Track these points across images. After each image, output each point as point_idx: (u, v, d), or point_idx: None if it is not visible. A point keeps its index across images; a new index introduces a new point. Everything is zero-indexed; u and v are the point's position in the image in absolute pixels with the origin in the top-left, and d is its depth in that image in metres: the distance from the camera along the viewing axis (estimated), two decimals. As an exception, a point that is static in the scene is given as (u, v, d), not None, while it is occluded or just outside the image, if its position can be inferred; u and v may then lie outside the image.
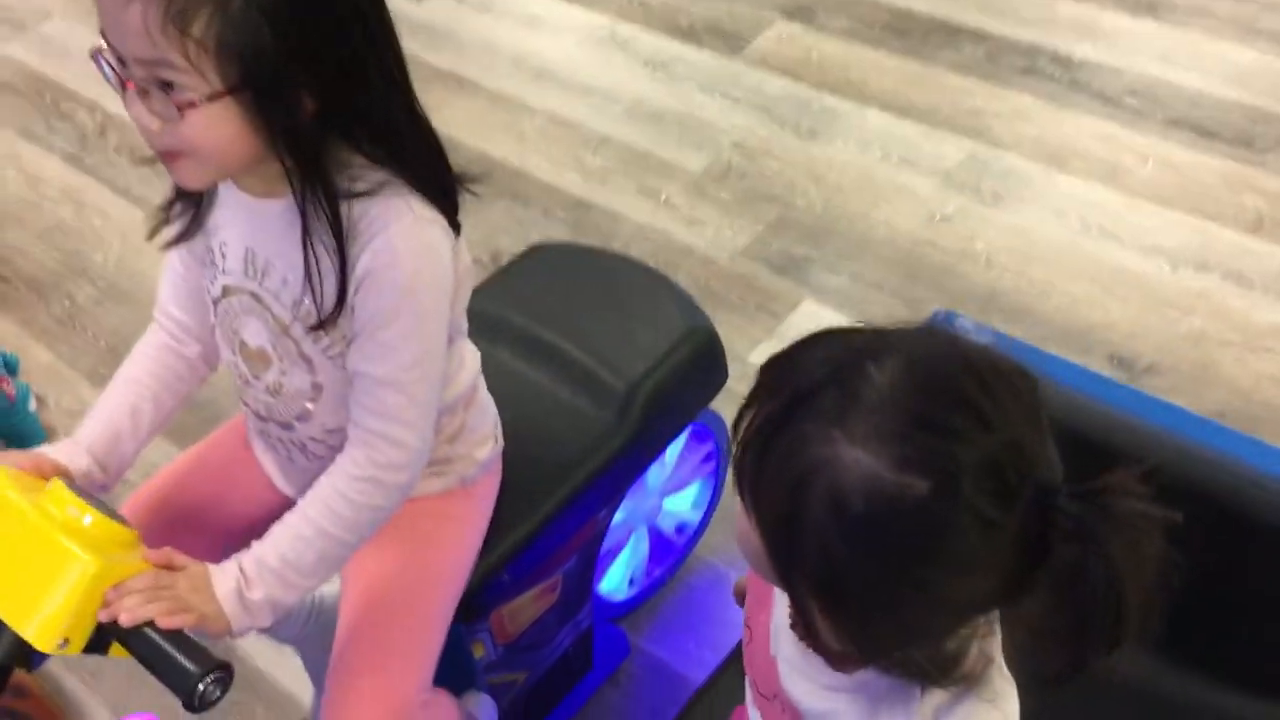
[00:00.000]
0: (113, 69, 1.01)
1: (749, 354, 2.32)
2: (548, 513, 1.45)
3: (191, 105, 0.99)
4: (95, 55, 1.02)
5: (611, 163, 2.88)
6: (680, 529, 1.97)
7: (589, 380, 1.54)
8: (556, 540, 1.49)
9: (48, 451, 1.20)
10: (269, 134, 1.03)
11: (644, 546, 1.91)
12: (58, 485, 1.09)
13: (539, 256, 1.75)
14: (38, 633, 1.03)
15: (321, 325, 1.14)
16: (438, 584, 1.33)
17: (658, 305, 1.65)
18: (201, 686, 1.04)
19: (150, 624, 1.06)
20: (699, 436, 1.83)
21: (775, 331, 2.41)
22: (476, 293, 1.67)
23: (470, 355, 1.35)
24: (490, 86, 3.15)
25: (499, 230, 2.70)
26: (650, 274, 1.72)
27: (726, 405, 1.63)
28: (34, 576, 1.04)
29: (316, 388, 1.22)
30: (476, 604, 1.42)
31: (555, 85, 3.13)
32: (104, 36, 1.00)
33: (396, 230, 1.10)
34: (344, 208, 1.09)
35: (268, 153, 1.05)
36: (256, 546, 1.15)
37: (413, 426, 1.17)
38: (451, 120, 2.91)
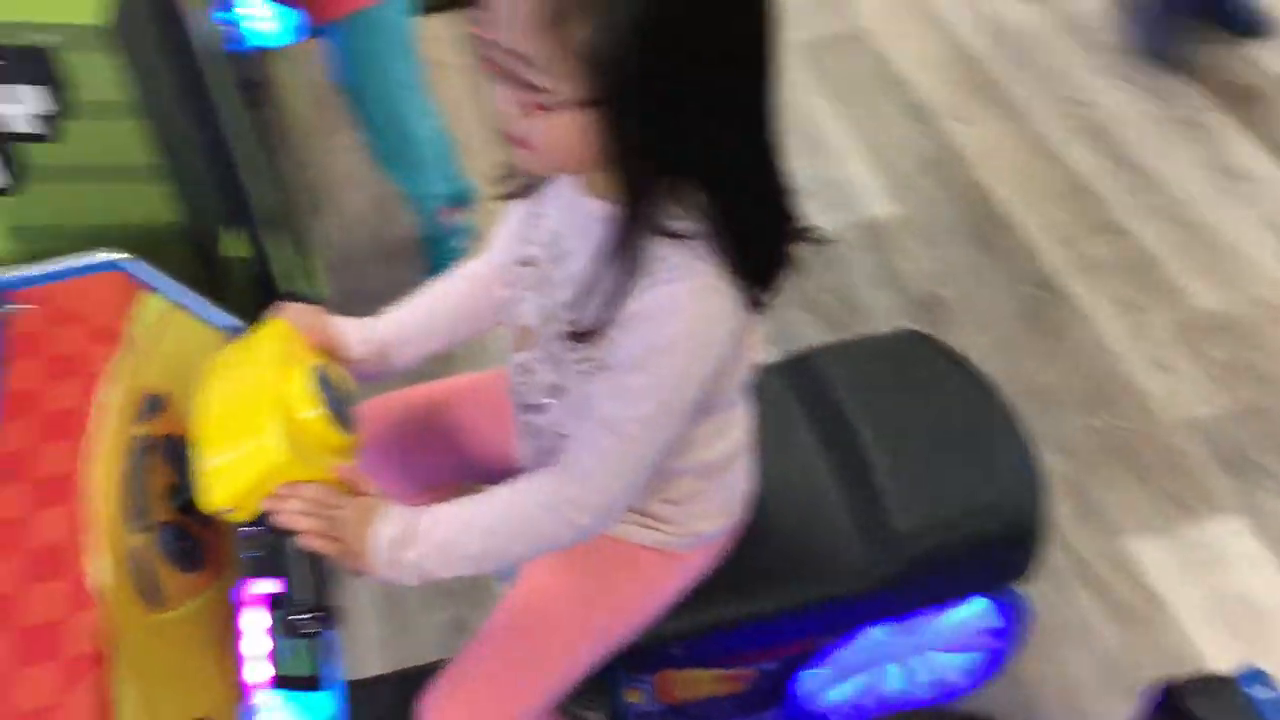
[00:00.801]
0: (480, 46, 0.98)
1: (1129, 540, 1.99)
2: (750, 613, 1.32)
3: (543, 109, 0.95)
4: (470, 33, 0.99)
5: (1111, 255, 2.55)
6: (937, 685, 1.74)
7: (871, 499, 1.36)
8: (750, 642, 1.36)
9: (340, 324, 1.24)
10: (611, 149, 0.97)
11: (886, 682, 1.71)
12: (309, 369, 1.12)
13: (902, 342, 1.57)
14: (206, 490, 1.08)
15: (578, 336, 1.07)
16: (598, 628, 1.26)
17: (994, 456, 1.42)
18: (297, 616, 1.05)
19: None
20: (990, 610, 1.59)
21: (1176, 534, 2.04)
22: (820, 350, 1.54)
23: (736, 428, 1.23)
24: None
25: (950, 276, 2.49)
26: (1010, 420, 1.47)
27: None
28: (236, 438, 1.09)
29: (556, 389, 1.16)
30: (640, 658, 1.33)
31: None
32: (476, 21, 0.97)
33: (684, 288, 1.01)
34: (649, 240, 1.01)
35: (606, 165, 1.00)
36: (431, 513, 1.13)
37: (617, 478, 1.08)
38: (968, 145, 2.68)
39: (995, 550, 1.38)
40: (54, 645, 0.99)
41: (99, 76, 1.39)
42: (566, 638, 1.24)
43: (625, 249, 1.01)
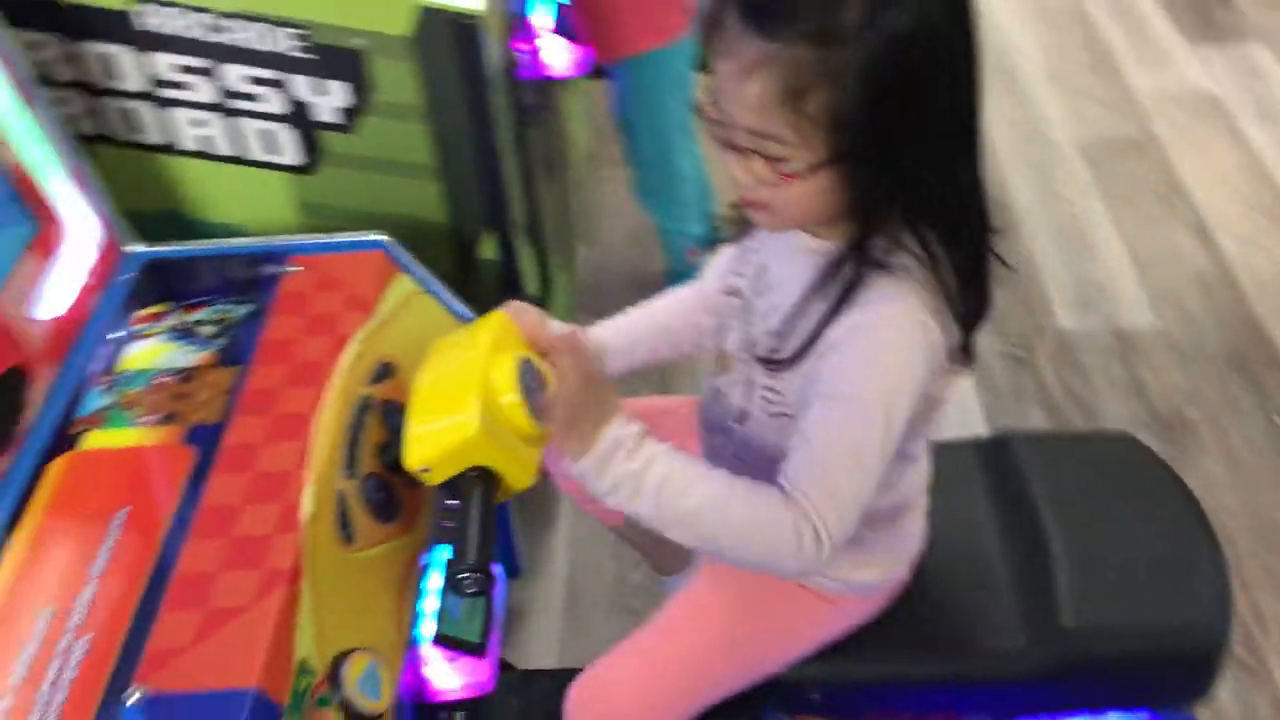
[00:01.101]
0: (716, 127, 1.05)
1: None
2: (896, 675, 1.32)
3: (793, 177, 1.01)
4: (698, 109, 1.07)
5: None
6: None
7: (1044, 589, 1.33)
8: (892, 704, 1.36)
9: (555, 326, 1.34)
10: (852, 199, 1.03)
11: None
12: (518, 359, 1.23)
13: (1114, 444, 1.53)
14: (408, 451, 1.20)
15: (776, 364, 1.13)
16: (742, 655, 1.30)
17: (1189, 578, 1.36)
18: (461, 574, 1.14)
19: (484, 504, 1.17)
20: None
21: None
22: (1021, 434, 1.53)
23: (909, 482, 1.25)
24: None
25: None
26: (1214, 545, 1.41)
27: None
28: (440, 409, 1.21)
29: (743, 415, 1.22)
30: (781, 696, 1.36)
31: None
32: (709, 99, 1.04)
33: (890, 315, 1.05)
34: (863, 274, 1.07)
35: (838, 217, 1.06)
36: (667, 451, 1.12)
37: (848, 502, 1.08)
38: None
39: (1170, 669, 1.33)
40: (258, 556, 1.13)
41: (398, 81, 1.57)
42: (710, 656, 1.29)
43: (839, 282, 1.06)
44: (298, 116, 1.61)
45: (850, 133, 0.97)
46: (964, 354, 1.12)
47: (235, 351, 1.38)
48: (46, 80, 1.57)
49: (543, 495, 2.10)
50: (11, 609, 1.11)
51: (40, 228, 1.39)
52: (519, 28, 1.94)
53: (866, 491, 1.09)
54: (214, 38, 1.54)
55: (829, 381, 1.08)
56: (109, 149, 1.66)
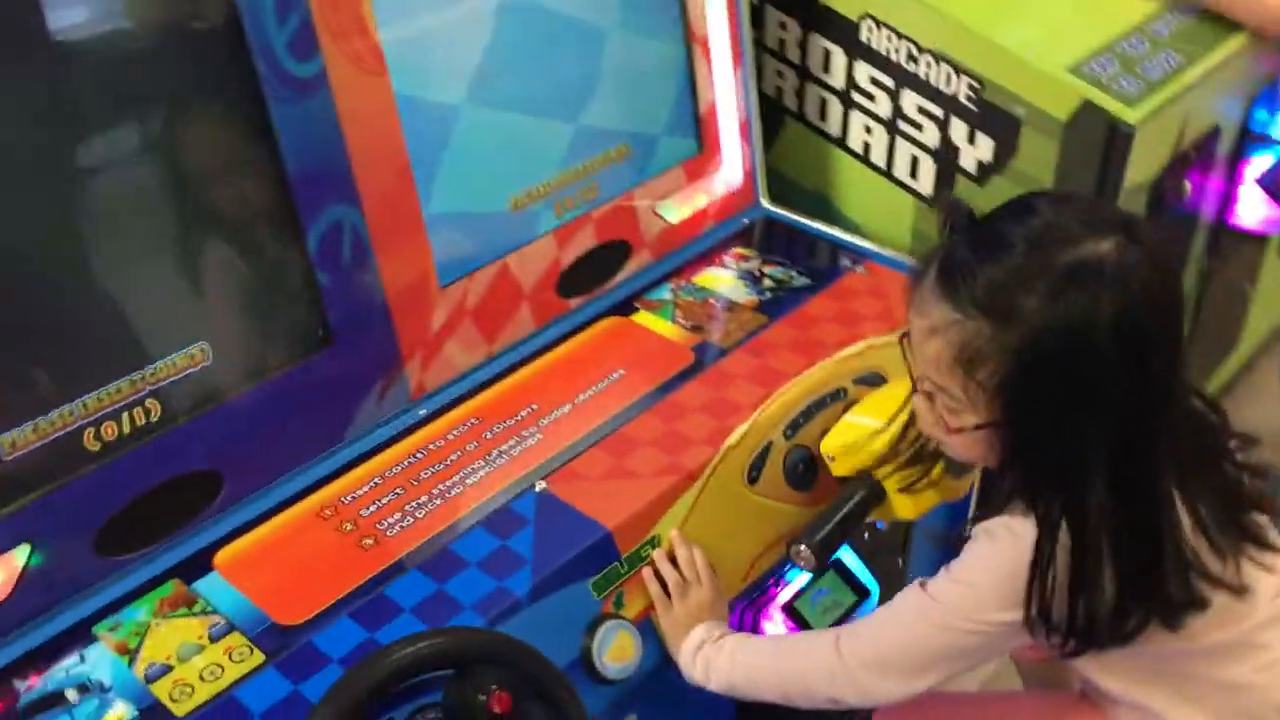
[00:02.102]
0: (908, 365, 1.13)
1: None
2: None
3: (958, 431, 1.08)
4: (901, 339, 1.13)
5: None
6: None
7: None
8: None
9: None
10: (1012, 457, 1.08)
11: None
12: None
13: None
14: (829, 435, 1.37)
15: None
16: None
17: None
18: (799, 543, 1.29)
19: (855, 505, 1.31)
20: None
21: None
22: None
23: None
24: None
25: None
26: None
27: None
28: (872, 413, 1.37)
29: None
30: None
31: None
32: (908, 350, 1.11)
33: (998, 548, 1.08)
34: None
35: (1004, 465, 1.10)
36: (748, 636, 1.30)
37: (878, 656, 1.16)
38: None
39: None
40: (677, 448, 1.37)
41: (1038, 156, 1.67)
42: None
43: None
44: (944, 156, 1.79)
45: (1015, 406, 1.02)
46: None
47: (774, 307, 1.62)
48: (775, 52, 1.91)
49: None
50: (520, 396, 1.47)
51: (700, 152, 1.74)
52: (1209, 162, 1.91)
53: (903, 662, 1.14)
54: (908, 65, 1.76)
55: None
56: (796, 125, 1.96)
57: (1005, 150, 1.72)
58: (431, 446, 1.39)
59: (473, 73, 1.44)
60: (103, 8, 1.15)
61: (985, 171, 1.76)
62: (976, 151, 1.75)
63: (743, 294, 1.65)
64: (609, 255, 1.63)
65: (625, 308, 1.62)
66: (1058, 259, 0.99)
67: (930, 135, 1.80)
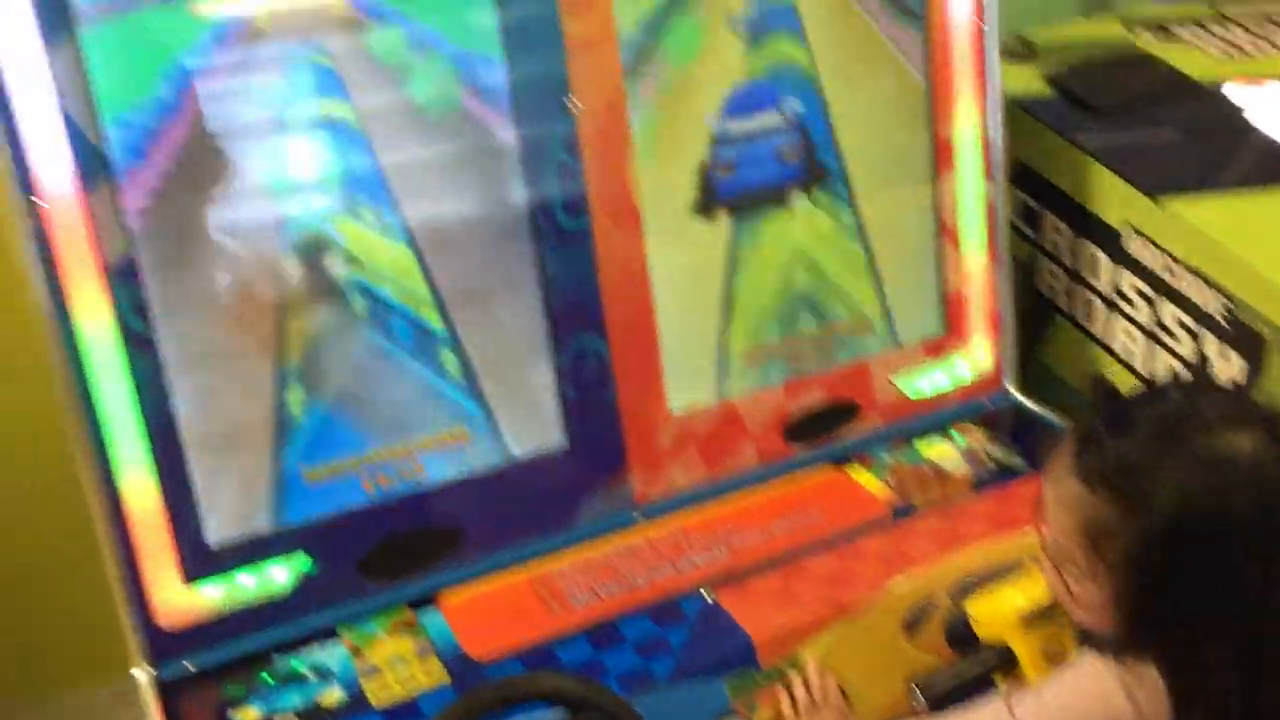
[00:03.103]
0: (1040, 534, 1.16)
1: None
2: None
3: (1078, 600, 1.12)
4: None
5: None
6: None
7: None
8: None
9: None
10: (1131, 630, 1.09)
11: None
12: None
13: None
14: (983, 598, 1.46)
15: None
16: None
17: None
18: (918, 686, 1.38)
19: (978, 665, 1.39)
20: None
21: None
22: None
23: None
24: None
25: None
26: None
27: None
28: (1024, 592, 1.44)
29: None
30: None
31: None
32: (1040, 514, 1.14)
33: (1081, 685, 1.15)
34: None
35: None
36: None
37: None
38: None
39: None
40: (841, 585, 1.52)
41: (1285, 377, 1.68)
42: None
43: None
44: (1196, 368, 1.81)
45: (1135, 587, 1.03)
46: None
47: (985, 483, 1.72)
48: (1050, 254, 2.02)
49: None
50: (723, 518, 1.68)
51: (944, 334, 1.89)
52: None
53: None
54: (1168, 278, 1.82)
55: None
56: (1066, 323, 2.04)
57: (1254, 369, 1.72)
58: (634, 544, 1.63)
59: (726, 240, 1.71)
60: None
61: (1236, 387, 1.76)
62: (1228, 368, 1.76)
63: (960, 466, 1.76)
64: (837, 413, 1.81)
65: (844, 460, 1.79)
66: (1192, 446, 1.03)
67: (1187, 347, 1.83)
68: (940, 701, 1.40)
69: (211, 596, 1.48)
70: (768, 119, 1.70)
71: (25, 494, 1.90)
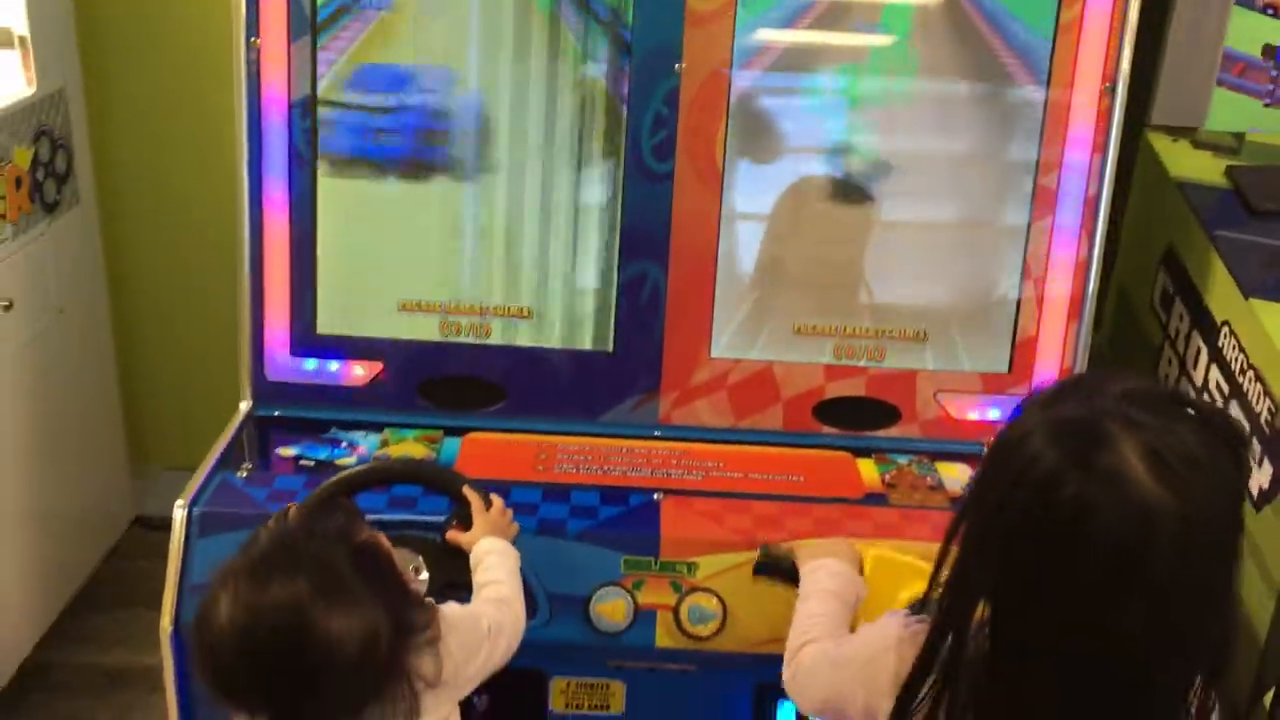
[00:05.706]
0: None
1: None
2: None
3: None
4: None
5: None
6: None
7: None
8: None
9: None
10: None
11: None
12: None
13: None
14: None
15: None
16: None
17: None
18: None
19: None
20: None
21: None
22: None
23: None
24: None
25: None
26: None
27: None
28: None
29: None
30: None
31: None
32: None
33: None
34: None
35: None
36: None
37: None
38: None
39: None
40: (765, 532, 1.69)
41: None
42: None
43: None
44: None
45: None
46: None
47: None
48: (1171, 340, 2.00)
49: None
50: (721, 458, 1.90)
51: (1008, 373, 1.95)
52: None
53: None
54: (1239, 377, 1.77)
55: None
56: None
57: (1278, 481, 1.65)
58: (636, 449, 1.89)
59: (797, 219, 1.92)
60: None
61: (1263, 498, 1.69)
62: (1260, 476, 1.70)
63: (960, 488, 1.84)
64: (874, 411, 1.95)
65: (864, 454, 1.92)
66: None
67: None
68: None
69: (307, 369, 1.94)
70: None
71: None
